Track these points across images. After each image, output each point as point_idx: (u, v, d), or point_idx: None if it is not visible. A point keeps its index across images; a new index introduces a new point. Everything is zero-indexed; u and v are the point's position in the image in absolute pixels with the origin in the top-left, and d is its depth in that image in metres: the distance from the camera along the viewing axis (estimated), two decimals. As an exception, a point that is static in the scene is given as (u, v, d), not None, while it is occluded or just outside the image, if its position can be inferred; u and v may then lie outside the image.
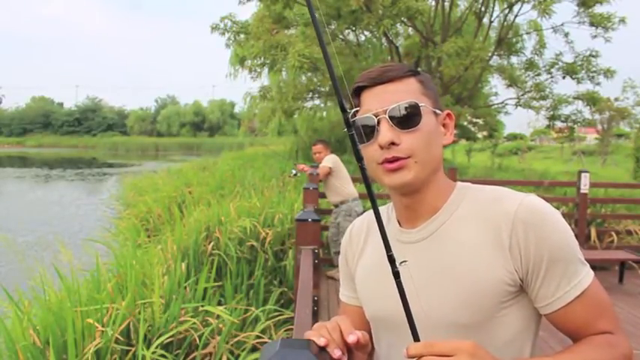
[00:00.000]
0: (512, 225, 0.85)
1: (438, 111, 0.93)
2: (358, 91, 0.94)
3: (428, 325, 0.89)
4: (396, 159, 0.88)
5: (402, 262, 0.81)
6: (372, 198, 0.80)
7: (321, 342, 0.77)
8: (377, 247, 1.00)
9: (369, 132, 0.90)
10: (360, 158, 0.78)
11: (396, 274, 0.79)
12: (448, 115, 0.97)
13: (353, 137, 0.77)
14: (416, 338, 0.79)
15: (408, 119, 0.88)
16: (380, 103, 0.90)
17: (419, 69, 0.96)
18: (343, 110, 0.77)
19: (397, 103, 0.88)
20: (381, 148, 0.88)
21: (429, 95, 0.93)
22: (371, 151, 0.90)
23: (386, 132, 0.88)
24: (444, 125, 0.96)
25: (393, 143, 0.88)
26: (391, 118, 0.88)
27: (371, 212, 1.08)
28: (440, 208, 0.94)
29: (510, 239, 0.85)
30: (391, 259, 0.79)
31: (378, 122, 0.89)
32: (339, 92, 0.77)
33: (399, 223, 0.99)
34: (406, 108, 0.88)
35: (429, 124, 0.90)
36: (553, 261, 0.84)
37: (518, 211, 0.86)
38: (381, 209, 1.06)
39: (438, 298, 0.89)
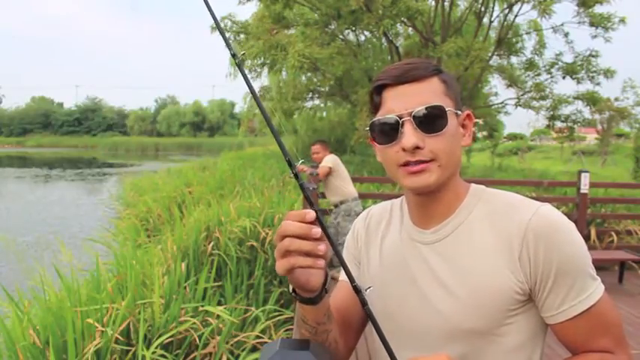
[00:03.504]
0: (524, 234, 0.84)
1: (459, 112, 0.91)
2: (380, 89, 0.91)
3: (435, 327, 0.90)
4: (419, 162, 0.86)
5: (367, 289, 0.82)
6: (323, 228, 0.79)
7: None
8: (391, 246, 0.99)
9: (391, 133, 0.87)
10: (311, 203, 0.77)
11: (364, 302, 0.79)
12: (468, 115, 0.94)
13: (302, 186, 0.78)
14: (393, 358, 0.79)
15: (434, 123, 0.86)
16: (404, 104, 0.86)
17: (442, 68, 0.94)
18: (290, 165, 0.79)
19: (423, 106, 0.85)
20: (404, 150, 0.86)
21: (451, 96, 0.90)
22: (391, 153, 0.88)
23: (410, 135, 0.85)
24: (463, 126, 0.93)
25: (417, 147, 0.85)
26: (416, 120, 0.85)
27: (386, 204, 1.07)
28: (454, 209, 0.92)
29: (521, 248, 0.84)
30: (357, 290, 0.80)
31: (402, 124, 0.86)
32: (285, 150, 0.80)
33: (412, 222, 0.98)
34: (432, 111, 0.85)
35: (452, 127, 0.88)
36: (561, 273, 0.83)
37: (531, 220, 0.85)
38: (395, 202, 1.06)
39: (446, 301, 0.89)
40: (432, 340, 0.89)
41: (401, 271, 0.95)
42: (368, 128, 0.92)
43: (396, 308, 0.93)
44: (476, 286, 0.86)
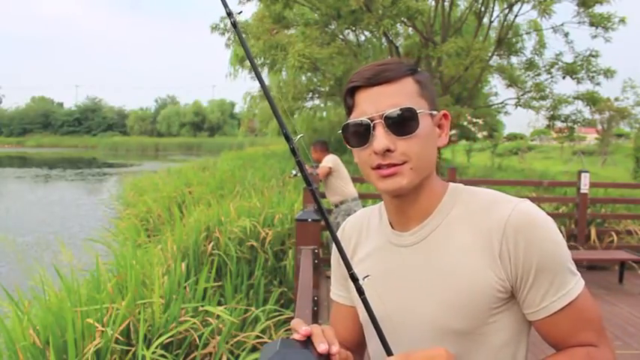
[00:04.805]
0: (503, 231, 0.84)
1: (434, 112, 0.90)
2: (352, 91, 0.90)
3: (420, 329, 0.90)
4: (391, 165, 0.86)
5: (365, 277, 0.81)
6: (327, 222, 0.82)
7: (305, 332, 0.77)
8: (370, 250, 0.99)
9: (363, 136, 0.87)
10: (309, 183, 0.79)
11: (360, 291, 0.79)
12: (444, 115, 0.94)
13: (300, 163, 0.79)
14: (389, 352, 0.79)
15: (405, 125, 0.85)
16: (375, 106, 0.86)
17: (417, 67, 0.94)
18: (288, 139, 0.79)
19: (394, 109, 0.85)
20: (376, 153, 0.86)
21: (426, 96, 0.89)
22: (364, 156, 0.88)
23: (382, 138, 0.84)
24: (439, 126, 0.93)
25: (388, 150, 0.85)
26: (387, 123, 0.85)
27: (364, 211, 1.09)
28: (432, 210, 0.92)
29: (501, 246, 0.84)
30: (353, 278, 0.79)
31: (373, 127, 0.86)
32: (283, 124, 0.80)
33: (391, 225, 0.97)
34: (403, 114, 0.85)
35: (425, 128, 0.87)
36: (541, 269, 0.83)
37: (510, 217, 0.85)
38: (373, 208, 1.06)
39: (429, 303, 0.89)
40: (420, 342, 0.89)
41: (383, 277, 0.95)
42: (341, 131, 0.91)
43: (382, 313, 0.92)
44: (457, 286, 0.86)
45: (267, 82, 16.40)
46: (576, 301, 0.85)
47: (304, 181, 0.79)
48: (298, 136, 0.81)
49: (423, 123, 0.87)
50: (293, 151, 0.78)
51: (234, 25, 0.81)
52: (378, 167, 0.87)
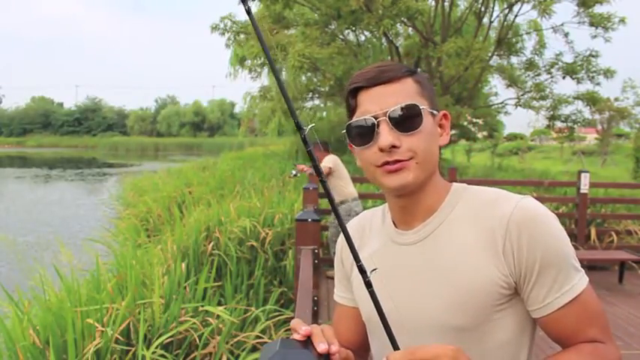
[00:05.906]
0: (506, 228, 0.85)
1: (434, 112, 0.92)
2: (354, 92, 0.92)
3: (422, 326, 0.90)
4: (397, 161, 0.87)
5: (372, 270, 0.81)
6: (335, 212, 0.82)
7: (304, 332, 0.76)
8: (373, 250, 1.00)
9: (368, 135, 0.88)
10: (319, 173, 0.79)
11: (368, 284, 0.79)
12: (444, 115, 0.95)
13: (310, 153, 0.78)
14: (395, 347, 0.78)
15: (409, 121, 0.87)
16: (379, 104, 0.87)
17: (417, 69, 0.95)
18: (299, 128, 0.78)
19: (397, 105, 0.86)
20: (381, 151, 0.87)
21: (426, 96, 0.91)
22: (369, 154, 0.89)
23: (387, 135, 0.86)
24: (440, 126, 0.95)
25: (394, 146, 0.86)
26: (391, 120, 0.86)
27: (366, 213, 1.09)
28: (435, 209, 0.93)
29: (504, 242, 0.85)
30: (361, 270, 0.79)
31: (378, 124, 0.87)
32: (294, 112, 0.79)
33: (395, 225, 0.98)
34: (407, 110, 0.86)
35: (428, 126, 0.89)
36: (545, 265, 0.83)
37: (513, 213, 0.85)
38: (377, 210, 1.07)
39: (432, 300, 0.89)
40: (422, 339, 0.89)
41: (386, 275, 0.95)
42: (344, 131, 0.92)
43: (386, 309, 0.93)
44: (459, 283, 0.86)
45: (267, 82, 16.42)
46: (580, 297, 0.85)
47: (315, 172, 0.79)
48: (309, 126, 0.81)
49: (426, 120, 0.89)
50: (304, 141, 0.78)
51: (248, 12, 0.81)
52: (384, 164, 0.88)
